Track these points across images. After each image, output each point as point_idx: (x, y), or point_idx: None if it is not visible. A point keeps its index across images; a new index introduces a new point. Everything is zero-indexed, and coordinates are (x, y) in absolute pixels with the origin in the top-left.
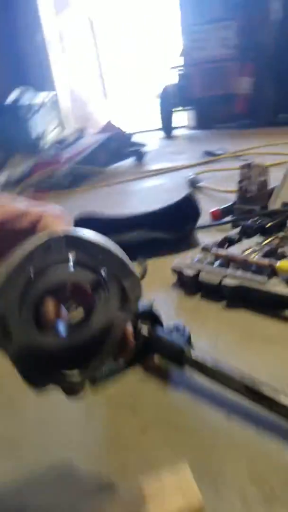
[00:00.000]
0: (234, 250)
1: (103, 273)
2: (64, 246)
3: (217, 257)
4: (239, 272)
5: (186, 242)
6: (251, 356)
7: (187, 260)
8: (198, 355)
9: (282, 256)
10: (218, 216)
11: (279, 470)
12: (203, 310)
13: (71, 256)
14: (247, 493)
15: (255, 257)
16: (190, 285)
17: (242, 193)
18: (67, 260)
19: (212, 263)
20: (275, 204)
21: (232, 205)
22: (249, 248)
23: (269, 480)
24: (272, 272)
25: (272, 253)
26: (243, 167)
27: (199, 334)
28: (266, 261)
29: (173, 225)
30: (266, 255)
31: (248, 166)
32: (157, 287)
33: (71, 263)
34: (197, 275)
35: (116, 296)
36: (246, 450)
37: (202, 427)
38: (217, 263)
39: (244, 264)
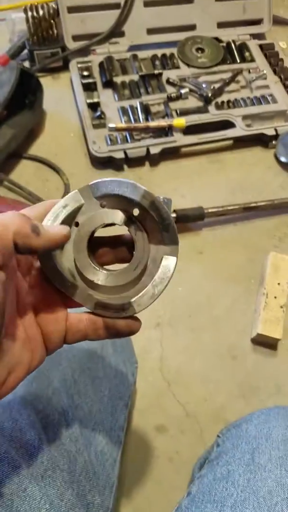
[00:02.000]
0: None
1: (134, 212)
2: (92, 195)
3: (118, 129)
4: (149, 139)
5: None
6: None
7: (102, 143)
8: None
9: (157, 113)
10: (7, 61)
11: None
12: (145, 177)
13: (100, 203)
14: None
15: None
16: (119, 163)
17: (34, 35)
18: (98, 207)
19: (123, 138)
20: (68, 40)
21: (20, 48)
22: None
23: None
24: (170, 130)
25: (148, 111)
26: (25, 10)
27: (157, 193)
28: (164, 122)
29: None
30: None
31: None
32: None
33: (102, 208)
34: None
35: (154, 230)
36: None
37: None
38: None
39: (146, 130)
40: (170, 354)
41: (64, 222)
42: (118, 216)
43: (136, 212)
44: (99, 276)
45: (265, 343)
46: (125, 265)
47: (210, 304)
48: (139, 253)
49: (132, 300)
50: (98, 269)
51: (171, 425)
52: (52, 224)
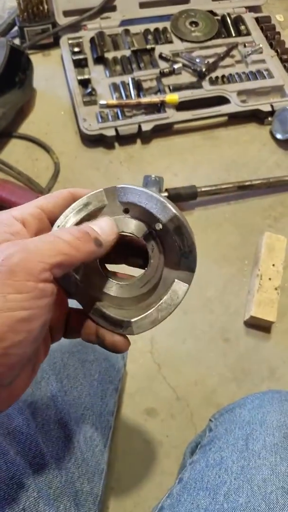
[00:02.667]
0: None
1: (157, 227)
2: (117, 198)
3: (109, 106)
4: (141, 116)
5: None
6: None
7: (93, 121)
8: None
9: (149, 89)
10: None
11: None
12: (136, 155)
13: (123, 208)
14: None
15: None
16: (110, 141)
17: (24, 12)
18: (120, 212)
19: (114, 115)
20: (58, 16)
21: (10, 25)
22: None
23: None
24: (162, 106)
25: (140, 87)
26: None
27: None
28: (156, 98)
29: None
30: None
31: None
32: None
33: (124, 214)
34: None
35: (172, 251)
36: None
37: None
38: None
39: (137, 107)
40: (161, 336)
41: (83, 220)
42: (139, 228)
43: (158, 226)
44: (105, 283)
45: (259, 326)
46: (134, 278)
47: (202, 286)
48: (151, 270)
49: (133, 320)
50: (105, 275)
51: (162, 409)
52: (74, 219)
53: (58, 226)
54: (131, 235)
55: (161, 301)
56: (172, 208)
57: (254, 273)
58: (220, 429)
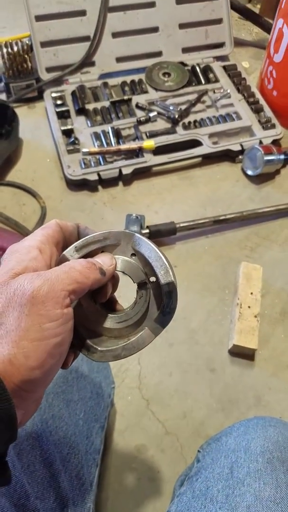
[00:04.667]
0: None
1: (151, 280)
2: (131, 243)
3: (92, 153)
4: (121, 161)
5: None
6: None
7: (76, 167)
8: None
9: (128, 136)
10: None
11: None
12: (119, 196)
13: (132, 252)
14: None
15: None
16: (93, 184)
17: (10, 70)
18: (128, 254)
19: (96, 161)
20: (41, 72)
21: None
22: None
23: None
24: (140, 151)
25: (119, 135)
26: (0, 46)
27: (130, 210)
28: (134, 145)
29: None
30: (116, 137)
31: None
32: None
33: (131, 257)
34: (100, 175)
35: (155, 305)
36: None
37: None
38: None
39: (117, 153)
40: (149, 371)
41: (96, 250)
42: (138, 276)
43: (152, 280)
44: (88, 304)
45: (242, 354)
46: (115, 313)
47: (186, 317)
48: (133, 312)
49: (99, 349)
50: (91, 299)
51: (151, 444)
52: (84, 250)
53: (75, 247)
54: (126, 275)
55: (128, 342)
56: (172, 275)
57: (234, 302)
58: (207, 459)
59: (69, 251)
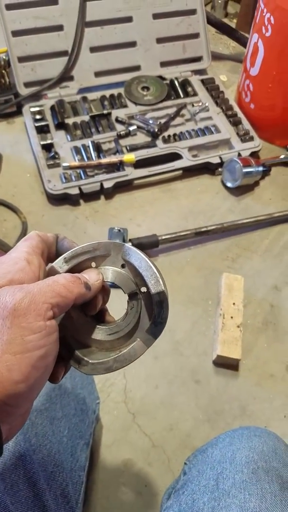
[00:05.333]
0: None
1: (142, 290)
2: (121, 253)
3: (72, 167)
4: (102, 174)
5: None
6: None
7: (57, 182)
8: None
9: (108, 150)
10: None
11: None
12: (101, 209)
13: (122, 263)
14: None
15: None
16: (75, 198)
17: None
18: (119, 265)
19: (77, 175)
20: (20, 87)
21: None
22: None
23: None
24: (121, 165)
25: (99, 149)
26: None
27: (113, 224)
28: (115, 159)
29: None
30: (96, 151)
31: None
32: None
33: (121, 268)
34: (81, 189)
35: (146, 315)
36: None
37: None
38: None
39: (98, 167)
40: (134, 384)
41: (85, 261)
42: (128, 286)
43: (143, 290)
44: (78, 316)
45: (226, 364)
46: (105, 325)
47: (171, 329)
48: (124, 323)
49: (91, 361)
50: (81, 311)
51: (138, 458)
52: (73, 261)
53: (65, 258)
54: (116, 285)
55: (119, 354)
56: (162, 284)
57: (217, 312)
58: (193, 471)
59: (58, 262)
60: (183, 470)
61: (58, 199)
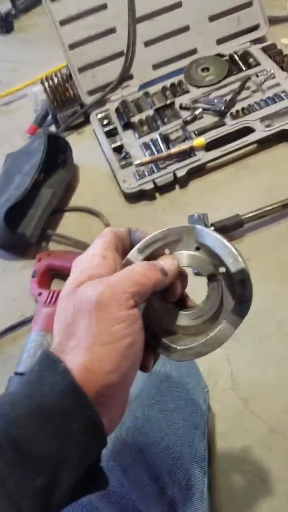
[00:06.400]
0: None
1: (220, 270)
2: (193, 236)
3: (144, 163)
4: (174, 164)
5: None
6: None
7: (131, 180)
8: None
9: (177, 139)
10: (35, 130)
11: None
12: (177, 199)
13: (196, 246)
14: None
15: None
16: (150, 193)
17: (54, 101)
18: (192, 248)
19: (149, 170)
20: (84, 96)
21: (44, 116)
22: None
23: None
24: (192, 151)
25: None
26: (42, 81)
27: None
28: (185, 146)
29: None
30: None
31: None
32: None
33: (196, 251)
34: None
35: (230, 295)
36: None
37: None
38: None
39: (169, 157)
40: (240, 370)
41: (159, 249)
42: (206, 268)
43: (222, 270)
44: (161, 305)
45: None
46: (189, 309)
47: (270, 310)
48: (207, 306)
49: (179, 348)
50: (162, 300)
51: (257, 444)
52: (147, 250)
53: (138, 249)
54: (194, 269)
55: (207, 337)
56: (242, 261)
57: None
58: None
59: (132, 254)
60: None
61: (135, 197)
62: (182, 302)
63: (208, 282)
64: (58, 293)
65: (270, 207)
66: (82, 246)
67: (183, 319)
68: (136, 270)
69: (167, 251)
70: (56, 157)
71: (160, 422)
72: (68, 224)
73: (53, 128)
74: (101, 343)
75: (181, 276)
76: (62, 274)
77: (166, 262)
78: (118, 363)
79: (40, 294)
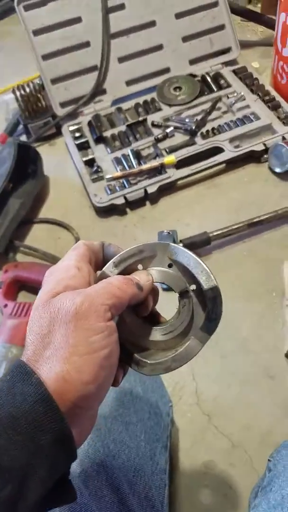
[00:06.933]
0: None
1: (192, 288)
2: (168, 253)
3: (115, 178)
4: (145, 180)
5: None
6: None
7: (102, 194)
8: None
9: (148, 156)
10: (5, 139)
11: None
12: (147, 215)
13: (168, 263)
14: None
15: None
16: (121, 208)
17: (26, 111)
18: (166, 265)
19: (121, 185)
20: (56, 108)
21: (15, 125)
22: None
23: None
24: (162, 168)
25: (139, 156)
26: (14, 90)
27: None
28: (156, 163)
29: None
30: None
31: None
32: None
33: (169, 268)
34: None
35: (200, 312)
36: None
37: None
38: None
39: (140, 174)
40: (205, 386)
41: (133, 264)
42: (179, 285)
43: (193, 288)
44: (132, 319)
45: None
46: (159, 325)
47: (235, 327)
48: (177, 322)
49: (149, 362)
50: (133, 314)
51: (219, 459)
52: (122, 265)
53: (114, 263)
54: (166, 286)
55: (176, 353)
56: (214, 279)
57: (283, 303)
58: (278, 467)
59: (108, 267)
60: (267, 467)
61: (106, 211)
62: (153, 318)
63: (179, 299)
64: (24, 305)
65: (236, 226)
66: (50, 258)
67: (154, 334)
68: (114, 283)
69: (140, 266)
70: (26, 167)
71: (123, 435)
72: (37, 236)
73: (24, 138)
74: (79, 353)
75: (153, 291)
76: (29, 286)
77: (141, 277)
78: (95, 373)
79: (5, 305)
